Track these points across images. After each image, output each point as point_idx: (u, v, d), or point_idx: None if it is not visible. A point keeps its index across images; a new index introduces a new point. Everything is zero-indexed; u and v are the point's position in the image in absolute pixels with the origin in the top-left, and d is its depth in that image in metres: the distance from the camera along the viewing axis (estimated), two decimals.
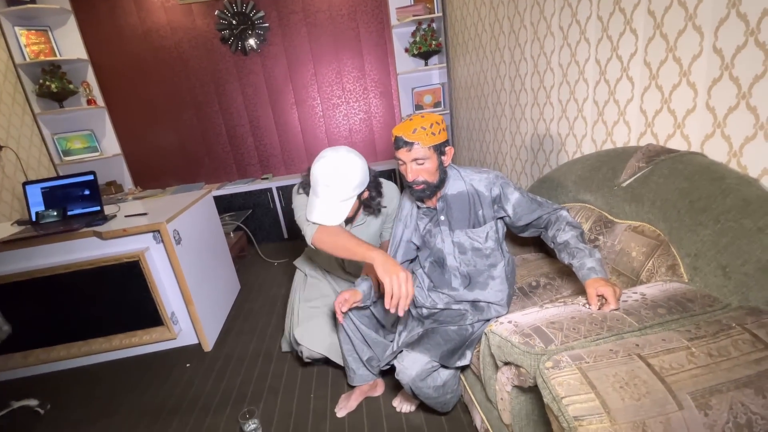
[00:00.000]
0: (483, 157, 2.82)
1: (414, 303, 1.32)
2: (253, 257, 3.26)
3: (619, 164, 1.30)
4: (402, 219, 1.34)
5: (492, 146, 2.65)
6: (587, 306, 0.91)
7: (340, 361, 1.50)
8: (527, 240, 1.66)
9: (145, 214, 1.98)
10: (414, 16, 3.07)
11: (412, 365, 1.14)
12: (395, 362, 1.20)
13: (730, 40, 1.03)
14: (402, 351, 1.19)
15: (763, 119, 0.98)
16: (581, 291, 1.28)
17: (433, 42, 3.16)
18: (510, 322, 0.87)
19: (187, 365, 1.92)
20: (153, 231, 1.84)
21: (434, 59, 3.33)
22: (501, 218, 1.26)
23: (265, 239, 3.50)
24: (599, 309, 0.89)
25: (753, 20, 0.96)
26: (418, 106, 3.45)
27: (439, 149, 1.15)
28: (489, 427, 1.14)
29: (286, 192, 3.39)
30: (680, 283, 0.96)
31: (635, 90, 1.38)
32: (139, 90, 3.35)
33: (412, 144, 1.11)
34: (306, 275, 1.78)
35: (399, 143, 1.13)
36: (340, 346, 1.44)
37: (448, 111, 3.29)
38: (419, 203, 1.28)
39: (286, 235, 3.53)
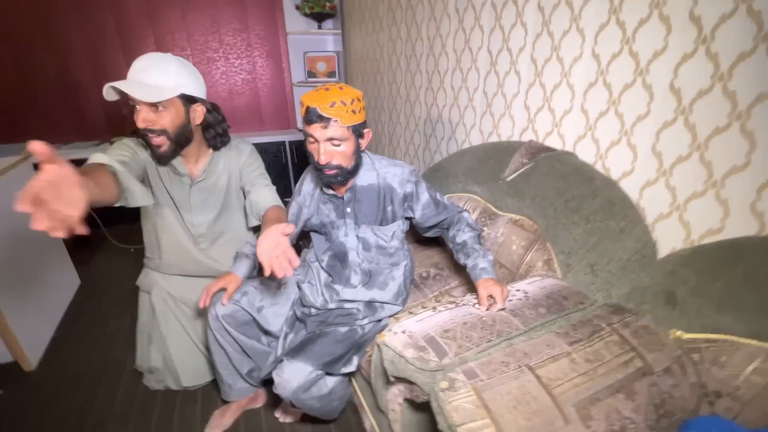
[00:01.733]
0: (378, 138, 2.74)
1: (302, 302, 1.17)
2: (100, 243, 2.65)
3: (504, 158, 1.33)
4: (301, 197, 1.17)
5: (387, 127, 2.58)
6: (477, 306, 0.91)
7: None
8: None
9: None
10: None
11: (292, 377, 1.01)
12: (273, 374, 1.05)
13: (608, 46, 1.08)
14: (282, 360, 1.05)
15: (628, 126, 1.07)
16: (468, 282, 1.32)
17: (327, 3, 2.89)
18: (404, 332, 0.80)
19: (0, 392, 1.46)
20: None
21: (329, 23, 3.07)
22: (408, 218, 1.18)
23: (117, 220, 2.83)
24: (488, 309, 0.89)
25: (630, 29, 1.02)
26: (311, 73, 3.18)
27: (358, 131, 1.01)
28: None
29: None
30: (554, 278, 1.01)
31: (521, 85, 1.41)
32: None
33: (329, 120, 0.93)
34: (152, 305, 1.34)
35: (311, 116, 0.94)
36: (210, 358, 1.22)
37: (343, 82, 3.10)
38: (325, 188, 1.12)
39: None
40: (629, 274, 0.91)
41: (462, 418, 0.60)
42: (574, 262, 0.99)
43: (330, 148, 0.98)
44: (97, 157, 1.00)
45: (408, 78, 2.17)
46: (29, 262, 1.71)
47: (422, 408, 0.86)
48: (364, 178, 1.11)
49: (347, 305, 1.16)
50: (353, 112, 0.96)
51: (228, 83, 3.13)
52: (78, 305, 1.99)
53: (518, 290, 0.95)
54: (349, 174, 1.04)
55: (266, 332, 1.16)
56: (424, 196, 1.14)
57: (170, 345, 1.33)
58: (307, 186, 1.18)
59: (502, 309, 0.89)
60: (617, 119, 1.09)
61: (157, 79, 1.03)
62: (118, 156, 1.06)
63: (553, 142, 1.32)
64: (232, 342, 1.13)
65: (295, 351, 1.05)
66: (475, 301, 0.94)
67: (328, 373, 1.06)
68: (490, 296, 0.91)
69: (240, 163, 1.29)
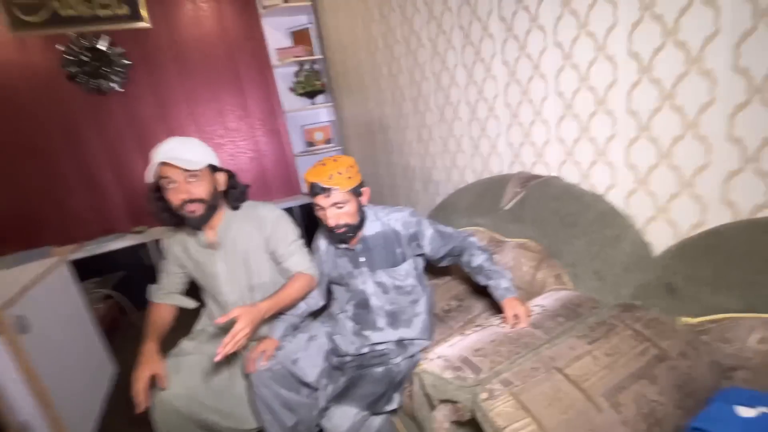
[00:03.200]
0: (380, 190, 2.92)
1: (336, 352, 1.24)
2: (129, 328, 2.73)
3: (499, 190, 1.47)
4: (318, 255, 1.34)
5: (386, 179, 2.77)
6: (502, 325, 0.99)
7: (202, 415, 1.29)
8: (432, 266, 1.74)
9: None
10: (295, 57, 3.10)
11: (341, 421, 1.06)
12: (322, 422, 1.10)
13: (569, 84, 1.27)
14: (328, 408, 1.11)
15: (601, 147, 1.21)
16: (489, 308, 1.39)
17: (317, 82, 3.23)
18: (439, 357, 0.87)
19: None
20: None
21: (320, 98, 3.39)
22: (419, 255, 1.29)
23: (145, 304, 2.96)
24: (512, 327, 0.97)
25: (583, 68, 1.20)
26: (309, 143, 3.44)
27: (357, 191, 1.16)
28: None
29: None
30: (567, 290, 1.10)
31: (501, 127, 1.59)
32: None
33: (329, 189, 1.10)
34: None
35: (316, 190, 1.11)
36: (258, 418, 1.27)
37: (341, 147, 3.35)
38: (339, 245, 1.25)
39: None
40: (632, 274, 1.00)
41: (506, 421, 0.67)
42: (581, 272, 1.08)
43: (336, 211, 1.13)
44: (152, 296, 1.43)
45: (399, 134, 2.38)
46: (72, 358, 1.79)
47: (468, 427, 0.91)
48: (371, 228, 1.24)
49: (379, 347, 1.23)
50: (348, 177, 1.13)
51: (236, 163, 3.38)
52: (120, 392, 2.03)
53: (536, 305, 1.04)
54: (357, 228, 1.18)
55: (304, 384, 1.22)
56: (429, 231, 1.24)
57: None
58: (321, 245, 1.33)
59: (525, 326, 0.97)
60: (590, 143, 1.25)
61: (188, 154, 1.16)
62: (165, 276, 1.41)
63: (539, 170, 1.46)
64: (274, 397, 1.18)
65: (339, 396, 1.11)
66: (499, 321, 1.02)
67: (372, 414, 1.11)
68: (515, 315, 1.00)
69: (265, 235, 1.33)
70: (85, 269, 2.68)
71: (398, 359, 1.18)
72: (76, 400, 1.72)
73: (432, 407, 0.92)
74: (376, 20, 2.26)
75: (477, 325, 1.02)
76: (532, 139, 1.46)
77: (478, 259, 1.19)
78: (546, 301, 1.04)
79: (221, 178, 1.28)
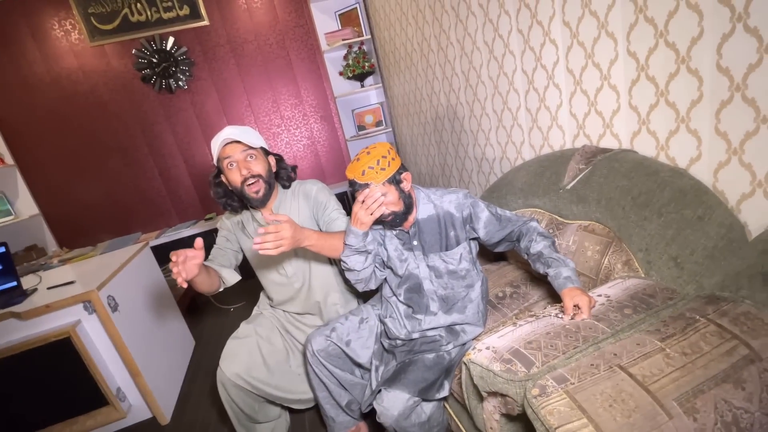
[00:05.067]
0: (431, 170, 2.85)
1: (387, 335, 1.25)
2: (206, 305, 3.02)
3: (560, 168, 1.35)
4: (374, 238, 1.29)
5: (437, 159, 2.69)
6: (560, 316, 0.91)
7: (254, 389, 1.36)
8: (486, 250, 1.67)
9: (72, 282, 1.75)
10: (343, 40, 3.08)
11: (393, 404, 1.07)
12: (375, 404, 1.12)
13: (644, 40, 1.10)
14: (381, 390, 1.13)
15: (683, 113, 1.05)
16: (548, 296, 1.31)
17: (366, 64, 3.19)
18: (488, 348, 0.84)
19: None
20: (83, 302, 1.63)
21: (369, 80, 3.36)
22: (474, 239, 1.24)
23: None
24: (572, 318, 0.89)
25: (661, 23, 1.04)
26: (361, 127, 3.45)
27: (395, 179, 1.12)
28: None
29: None
30: (637, 278, 0.99)
31: (563, 96, 1.45)
32: (54, 142, 3.03)
33: (366, 185, 1.08)
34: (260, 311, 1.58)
35: (354, 186, 1.11)
36: (314, 395, 1.34)
37: (391, 128, 3.32)
38: (391, 229, 1.24)
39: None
40: (719, 262, 0.86)
41: (559, 420, 0.62)
42: (655, 258, 0.96)
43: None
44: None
45: (450, 111, 2.28)
46: (157, 333, 2.02)
47: (520, 420, 0.87)
48: (423, 211, 1.20)
49: (430, 333, 1.21)
50: (383, 168, 1.09)
51: (292, 151, 3.50)
52: (196, 363, 2.27)
53: (600, 295, 0.94)
54: (404, 215, 1.15)
55: (357, 364, 1.25)
56: (484, 214, 1.18)
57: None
58: (376, 227, 1.30)
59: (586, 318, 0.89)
60: (670, 109, 1.08)
61: (244, 137, 1.26)
62: (216, 250, 1.44)
63: (608, 143, 1.31)
64: (329, 375, 1.23)
65: (390, 381, 1.12)
66: (557, 311, 0.94)
67: (424, 400, 1.11)
68: (576, 306, 0.92)
69: (311, 205, 1.42)
70: (164, 254, 2.97)
71: (449, 346, 1.15)
72: (162, 370, 1.95)
73: (481, 398, 0.89)
74: None
75: (531, 315, 0.96)
76: (599, 107, 1.31)
77: (538, 246, 1.11)
78: (612, 290, 0.94)
79: (272, 161, 1.37)
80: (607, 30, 1.20)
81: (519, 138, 1.76)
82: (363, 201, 1.09)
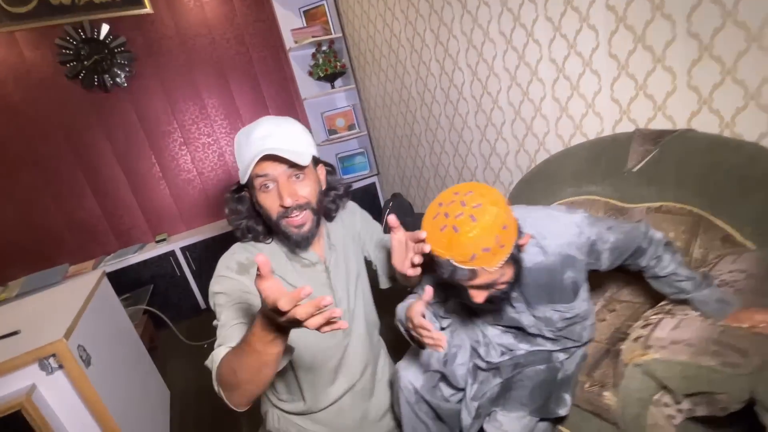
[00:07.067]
0: (420, 172, 2.75)
1: (479, 355, 1.06)
2: (168, 343, 2.50)
3: (618, 152, 1.32)
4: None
5: (429, 159, 2.60)
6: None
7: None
8: None
9: (15, 332, 1.27)
10: (313, 37, 2.87)
11: (512, 426, 0.92)
12: (487, 427, 0.95)
13: (707, 24, 1.12)
14: (491, 412, 0.96)
15: (753, 90, 1.08)
16: (626, 283, 1.24)
17: (338, 63, 3.00)
18: (674, 343, 0.73)
19: None
20: (41, 359, 1.18)
21: (339, 81, 3.17)
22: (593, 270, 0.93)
23: (177, 317, 2.72)
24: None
25: (729, 2, 1.06)
26: (332, 131, 3.23)
27: (514, 258, 0.77)
28: None
29: (194, 251, 2.74)
30: (750, 251, 0.97)
31: (602, 82, 1.44)
32: None
33: (474, 271, 0.74)
34: None
35: (455, 274, 0.74)
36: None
37: (365, 132, 3.15)
38: None
39: (203, 306, 2.85)
40: None
41: None
42: None
43: (480, 290, 0.80)
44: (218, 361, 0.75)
45: (449, 108, 2.21)
46: (131, 383, 1.58)
47: (701, 423, 0.77)
48: (530, 258, 0.87)
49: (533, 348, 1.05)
50: (501, 246, 0.71)
51: None
52: (178, 418, 1.83)
53: (731, 272, 0.90)
54: (514, 283, 0.83)
55: (453, 387, 1.06)
56: (608, 244, 0.87)
57: None
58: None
59: None
60: (738, 86, 1.11)
61: (293, 143, 0.83)
62: (227, 332, 0.80)
63: (659, 125, 1.32)
64: (429, 411, 1.02)
65: (497, 400, 0.96)
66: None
67: (542, 419, 0.97)
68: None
69: (356, 226, 1.09)
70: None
71: (561, 356, 1.02)
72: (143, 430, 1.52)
73: (644, 404, 0.77)
74: None
75: (684, 313, 0.87)
76: (649, 91, 1.32)
77: (667, 264, 0.87)
78: (741, 264, 0.90)
79: (322, 173, 0.94)
80: (663, 12, 1.20)
81: (542, 129, 1.74)
82: (424, 331, 0.77)
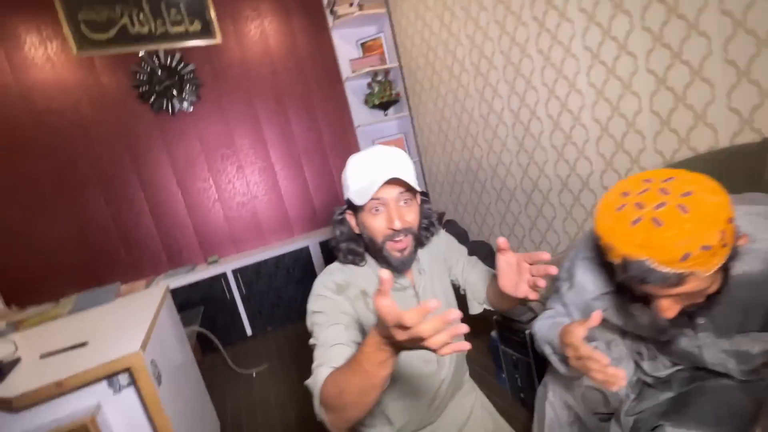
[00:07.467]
0: (478, 198, 2.64)
1: (643, 370, 0.89)
2: (215, 369, 2.37)
3: (749, 162, 1.18)
4: (583, 302, 0.87)
5: (490, 183, 2.50)
6: None
7: None
8: None
9: (83, 344, 1.18)
10: (371, 66, 2.93)
11: None
12: None
13: None
14: (657, 426, 0.78)
15: None
16: None
17: (393, 92, 3.04)
18: None
19: None
20: (112, 374, 1.08)
21: (391, 110, 3.19)
22: None
23: (225, 341, 2.60)
24: None
25: None
26: None
27: (726, 266, 0.61)
28: None
29: (245, 274, 2.67)
30: None
31: (717, 91, 1.34)
32: (13, 168, 2.39)
33: (682, 276, 0.58)
34: None
35: (651, 278, 0.59)
36: None
37: (417, 159, 3.11)
38: None
39: (249, 332, 2.73)
40: None
41: None
42: None
43: (675, 301, 0.64)
44: (321, 382, 0.71)
45: (519, 129, 2.13)
46: (191, 409, 1.45)
47: None
48: (740, 265, 0.67)
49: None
50: (724, 245, 0.57)
51: (311, 185, 3.14)
52: None
53: None
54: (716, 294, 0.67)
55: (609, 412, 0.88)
56: None
57: None
58: (587, 280, 0.83)
59: None
60: None
61: (408, 170, 0.86)
62: (329, 354, 0.76)
63: None
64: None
65: (674, 413, 0.79)
66: None
67: None
68: None
69: (442, 248, 1.06)
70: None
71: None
72: None
73: None
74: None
75: None
76: None
77: None
78: None
79: (419, 201, 0.95)
80: None
81: (637, 146, 1.62)
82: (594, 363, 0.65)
